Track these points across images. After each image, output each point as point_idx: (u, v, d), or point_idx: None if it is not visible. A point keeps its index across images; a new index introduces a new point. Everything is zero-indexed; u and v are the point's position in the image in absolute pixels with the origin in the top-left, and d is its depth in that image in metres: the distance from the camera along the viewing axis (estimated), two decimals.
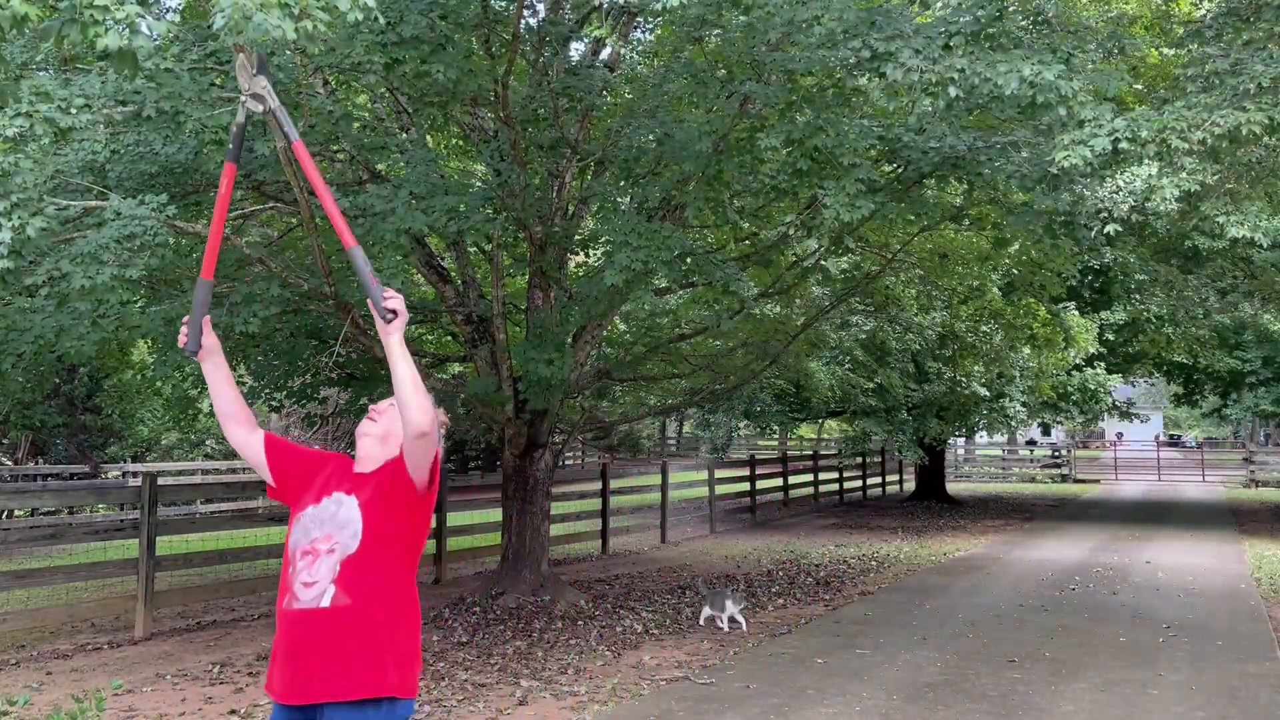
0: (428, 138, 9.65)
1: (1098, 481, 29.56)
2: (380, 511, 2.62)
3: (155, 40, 5.54)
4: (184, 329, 2.72)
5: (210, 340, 2.75)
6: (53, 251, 5.53)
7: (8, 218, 4.63)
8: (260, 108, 2.65)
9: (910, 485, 24.33)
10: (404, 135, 8.62)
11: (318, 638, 2.52)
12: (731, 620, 8.16)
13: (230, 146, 2.76)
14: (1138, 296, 19.04)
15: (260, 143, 6.05)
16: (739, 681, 6.37)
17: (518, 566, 9.12)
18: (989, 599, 9.48)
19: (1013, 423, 20.39)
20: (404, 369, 2.51)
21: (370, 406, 2.88)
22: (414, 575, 2.69)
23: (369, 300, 2.53)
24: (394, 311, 2.50)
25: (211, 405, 2.77)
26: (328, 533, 2.59)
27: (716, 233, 10.71)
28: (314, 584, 2.55)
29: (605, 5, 9.20)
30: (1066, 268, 13.93)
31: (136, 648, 7.65)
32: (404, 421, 2.54)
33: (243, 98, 2.66)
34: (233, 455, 24.09)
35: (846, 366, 17.55)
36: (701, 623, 8.28)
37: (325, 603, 2.53)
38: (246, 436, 2.79)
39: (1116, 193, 7.09)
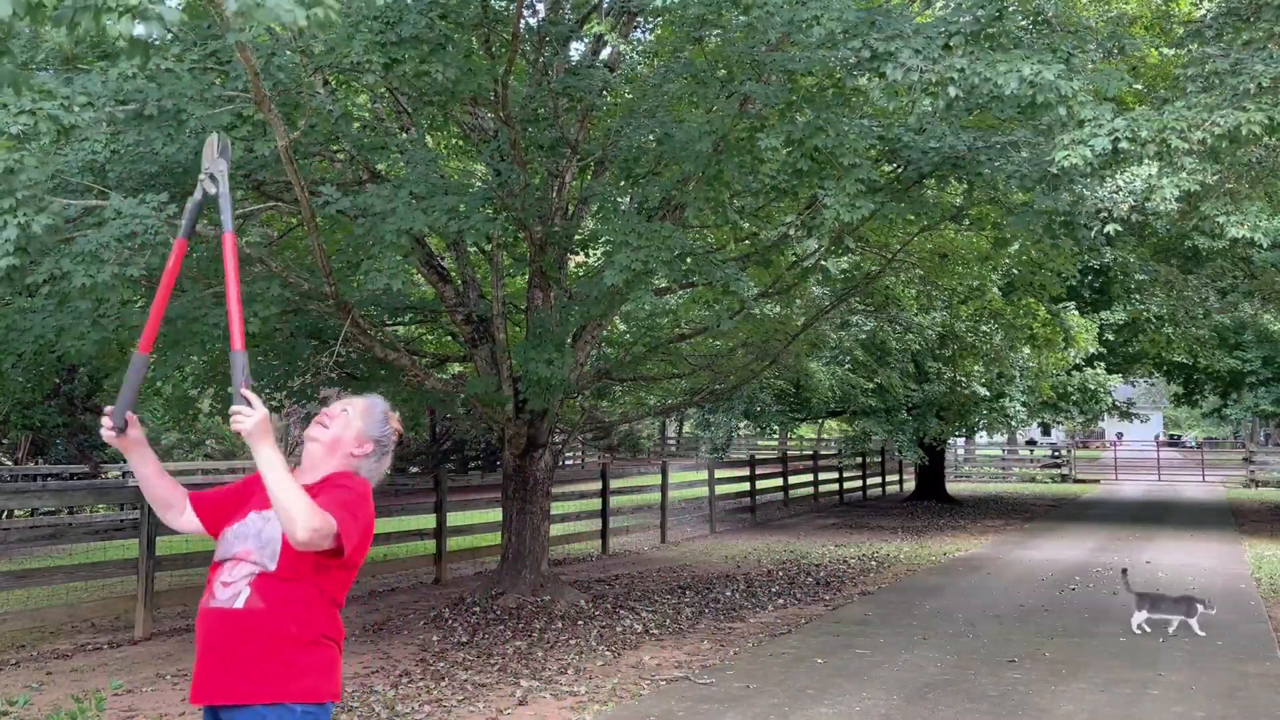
0: (428, 137, 9.65)
1: (1098, 481, 29.55)
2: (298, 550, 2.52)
3: (169, 33, 5.55)
4: (108, 411, 2.59)
5: (135, 431, 2.62)
6: (54, 250, 5.53)
7: (13, 215, 4.64)
8: (213, 190, 2.69)
9: (910, 485, 24.33)
10: (404, 135, 8.62)
11: (228, 638, 2.46)
12: (1183, 625, 7.75)
13: (184, 222, 2.77)
14: (1138, 296, 19.05)
15: (260, 143, 6.05)
16: (739, 681, 6.37)
17: (518, 566, 9.12)
18: (989, 599, 9.48)
19: (1013, 423, 20.39)
20: (272, 479, 2.37)
21: (322, 409, 2.78)
22: (332, 599, 2.58)
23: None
24: (236, 424, 2.42)
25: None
26: (248, 548, 2.53)
27: (716, 233, 10.72)
28: (231, 584, 2.50)
29: (605, 4, 9.21)
30: (1066, 268, 13.94)
31: (136, 648, 7.65)
32: (288, 532, 2.41)
33: (202, 175, 2.71)
34: (232, 455, 24.11)
35: (846, 366, 17.56)
36: (1135, 629, 7.82)
37: (239, 604, 2.47)
38: (179, 517, 2.71)
39: (1116, 193, 7.09)
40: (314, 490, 2.57)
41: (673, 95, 8.08)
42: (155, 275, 6.76)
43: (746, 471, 17.92)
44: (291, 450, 19.26)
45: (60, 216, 5.15)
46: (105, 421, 2.60)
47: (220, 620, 2.49)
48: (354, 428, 2.70)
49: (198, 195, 2.74)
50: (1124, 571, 8.60)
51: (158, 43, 5.65)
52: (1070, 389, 20.09)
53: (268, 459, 2.38)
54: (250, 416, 2.40)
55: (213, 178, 2.69)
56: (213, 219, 6.04)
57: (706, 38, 8.00)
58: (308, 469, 2.67)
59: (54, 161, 5.26)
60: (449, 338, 11.18)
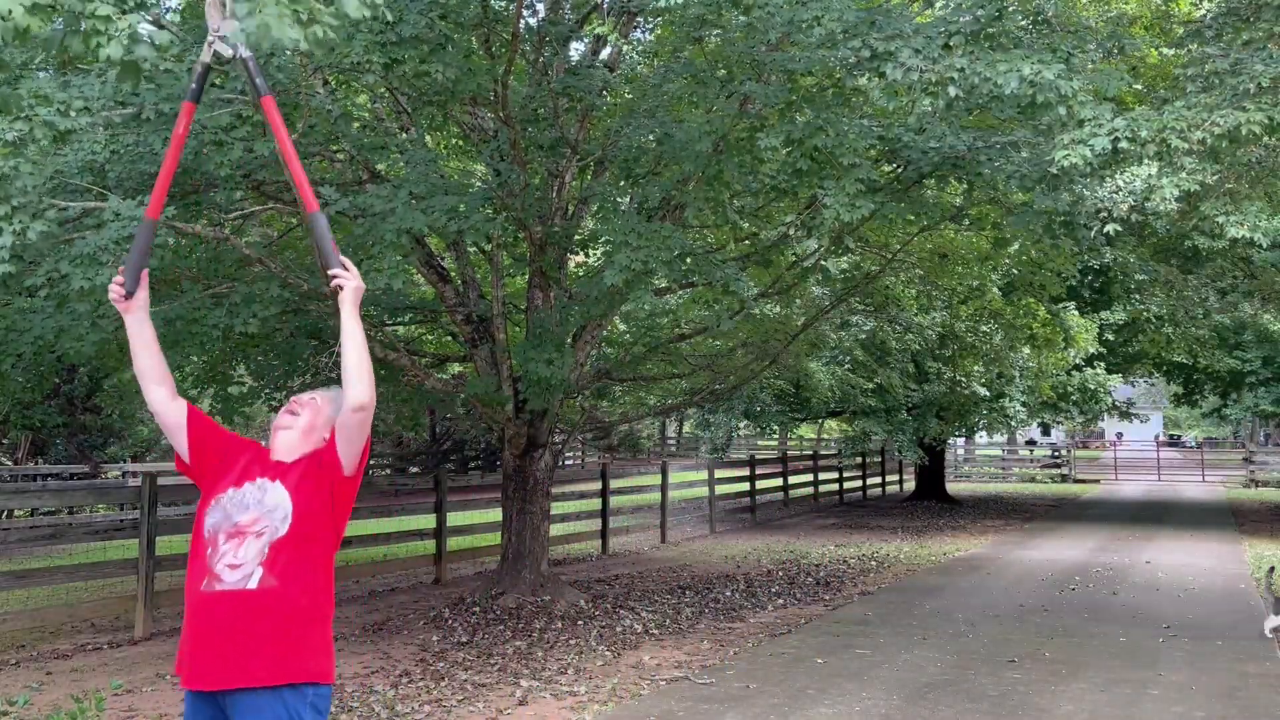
0: (427, 137, 9.64)
1: (1097, 481, 29.55)
2: (309, 496, 2.60)
3: (157, 50, 5.55)
4: (119, 273, 2.63)
5: (143, 294, 2.67)
6: (52, 253, 5.53)
7: (8, 222, 4.63)
8: (229, 52, 2.52)
9: (910, 485, 24.33)
10: (404, 135, 8.62)
11: (238, 620, 2.47)
12: None
13: (192, 85, 2.62)
14: (1138, 296, 19.04)
15: (260, 143, 6.04)
16: (739, 681, 6.37)
17: (518, 566, 9.12)
18: (989, 599, 9.48)
19: (1013, 423, 20.39)
20: (352, 342, 2.57)
21: (291, 398, 2.84)
22: (332, 563, 2.68)
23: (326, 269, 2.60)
24: (340, 282, 2.58)
25: (142, 373, 2.65)
26: (255, 516, 2.55)
27: (716, 233, 10.71)
28: (240, 566, 2.50)
29: (605, 5, 9.21)
30: (1066, 268, 13.94)
31: (136, 648, 7.65)
32: (345, 395, 2.58)
33: (210, 37, 2.53)
34: None
35: (846, 366, 17.56)
36: (1268, 633, 7.57)
37: (253, 584, 2.48)
38: (168, 401, 2.71)
39: (1116, 193, 7.09)
40: (298, 464, 2.67)
41: (673, 95, 8.08)
42: (154, 277, 6.75)
43: (746, 471, 17.92)
44: None
45: (56, 223, 5.13)
46: (115, 284, 2.63)
47: (231, 603, 2.49)
48: (325, 413, 2.77)
49: (206, 58, 2.58)
50: (1271, 571, 8.10)
51: (152, 61, 5.63)
52: (1070, 389, 20.09)
53: (352, 322, 2.58)
54: (350, 281, 2.59)
55: (225, 39, 2.52)
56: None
57: (706, 38, 8.00)
58: (282, 450, 2.72)
59: (53, 162, 5.26)
60: (449, 338, 11.18)
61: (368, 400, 2.56)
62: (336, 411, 2.76)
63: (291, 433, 2.73)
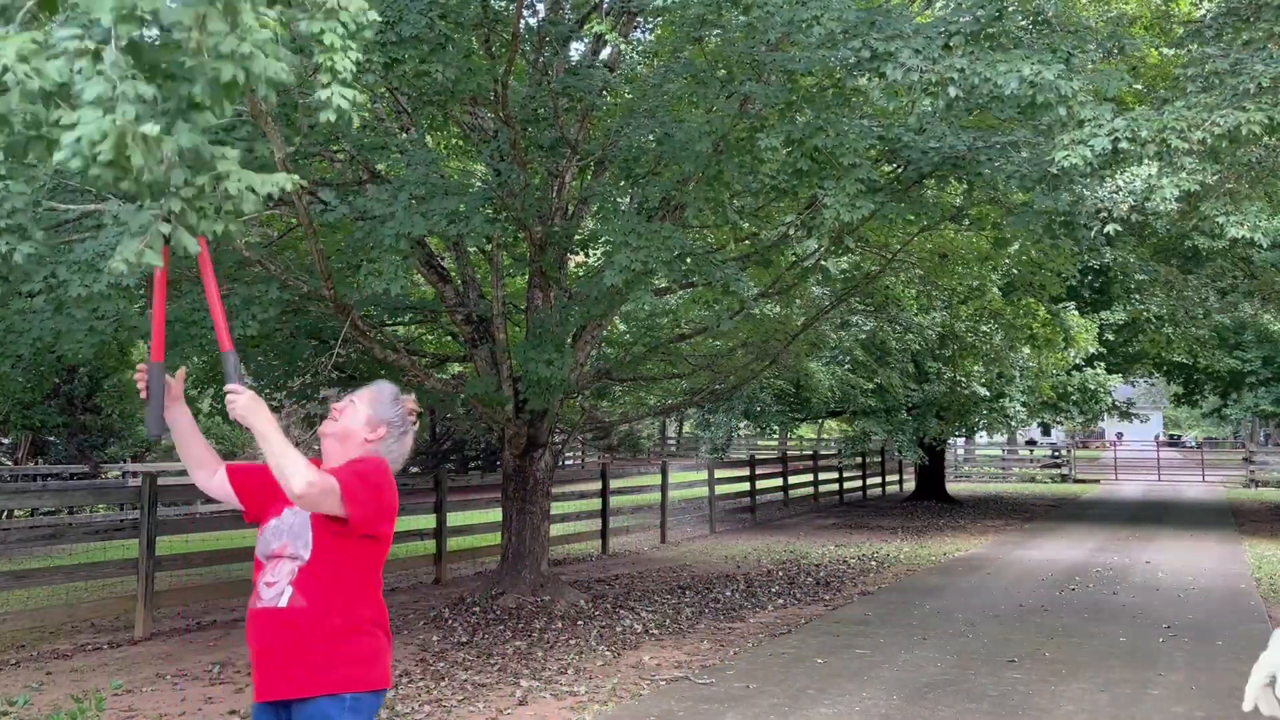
0: (428, 138, 9.64)
1: (1097, 481, 29.55)
2: (327, 527, 2.61)
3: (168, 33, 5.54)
4: (149, 423, 2.64)
5: (178, 389, 2.69)
6: (52, 255, 5.52)
7: None
8: None
9: (910, 485, 24.33)
10: (404, 135, 8.61)
11: (275, 635, 2.58)
12: None
13: None
14: (1138, 296, 19.04)
15: (260, 144, 6.04)
16: (739, 681, 6.37)
17: (518, 566, 9.12)
18: (989, 599, 9.48)
19: (1013, 423, 20.39)
20: (266, 447, 2.47)
21: (332, 405, 2.86)
22: (372, 577, 2.68)
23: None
24: (230, 399, 2.56)
25: (208, 415, 2.70)
26: (285, 542, 2.65)
27: (716, 233, 10.71)
28: (274, 584, 2.61)
29: (605, 5, 9.21)
30: (1066, 268, 13.94)
31: (136, 648, 7.64)
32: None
33: None
34: (231, 457, 24.09)
35: (846, 366, 17.55)
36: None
37: (283, 603, 2.58)
38: (210, 480, 2.77)
39: (1116, 193, 7.09)
40: (331, 473, 2.64)
41: (673, 95, 8.07)
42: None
43: (746, 471, 17.92)
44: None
45: (44, 244, 5.11)
46: (150, 429, 2.65)
47: (267, 619, 2.60)
48: (362, 415, 2.77)
49: None
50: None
51: None
52: (1070, 389, 20.09)
53: (262, 427, 2.47)
54: (239, 396, 2.53)
55: None
56: None
57: (706, 38, 7.99)
58: (325, 458, 2.78)
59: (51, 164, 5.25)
60: (449, 338, 11.18)
61: (301, 492, 2.45)
62: (377, 412, 2.78)
63: (330, 440, 2.78)
